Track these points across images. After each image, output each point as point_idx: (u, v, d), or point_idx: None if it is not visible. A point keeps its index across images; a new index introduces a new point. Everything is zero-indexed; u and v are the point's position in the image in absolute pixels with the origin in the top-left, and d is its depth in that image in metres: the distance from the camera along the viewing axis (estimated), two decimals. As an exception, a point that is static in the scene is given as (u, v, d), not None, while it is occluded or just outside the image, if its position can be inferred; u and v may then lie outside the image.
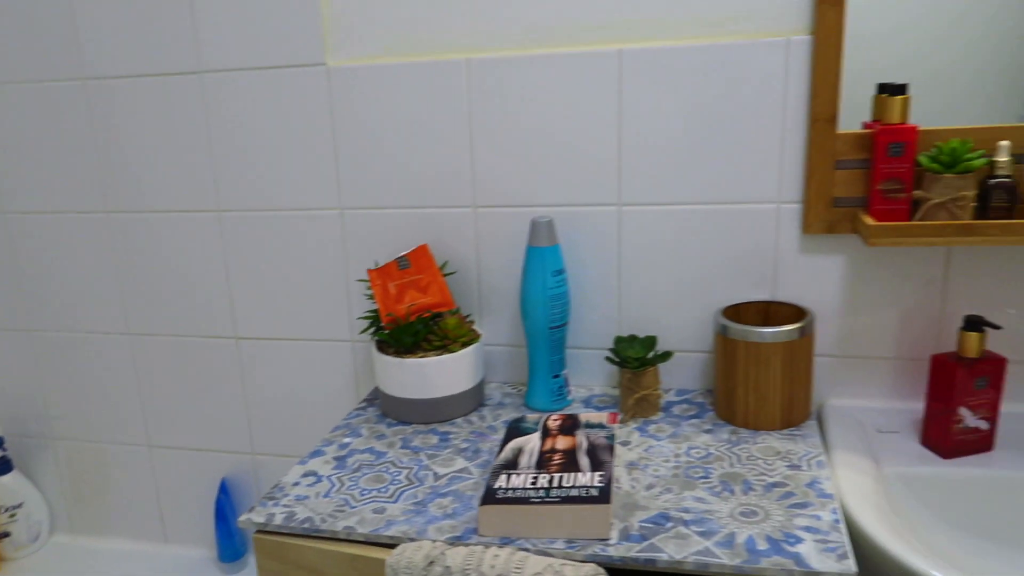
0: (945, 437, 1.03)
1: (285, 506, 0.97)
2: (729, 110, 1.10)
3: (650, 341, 1.17)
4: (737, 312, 1.15)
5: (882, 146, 1.00)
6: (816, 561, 0.81)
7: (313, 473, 1.05)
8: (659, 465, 1.02)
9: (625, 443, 1.08)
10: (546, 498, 0.88)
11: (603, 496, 0.88)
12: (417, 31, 1.18)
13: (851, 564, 0.80)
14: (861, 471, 1.00)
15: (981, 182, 1.00)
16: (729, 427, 1.11)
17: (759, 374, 1.07)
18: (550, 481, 0.91)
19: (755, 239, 1.14)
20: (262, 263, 1.35)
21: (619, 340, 1.18)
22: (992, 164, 0.99)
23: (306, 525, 0.93)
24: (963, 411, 1.02)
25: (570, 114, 1.15)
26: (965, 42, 1.01)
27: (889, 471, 1.02)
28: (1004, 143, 0.98)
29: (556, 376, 1.19)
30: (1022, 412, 1.11)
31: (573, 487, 0.90)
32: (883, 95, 1.01)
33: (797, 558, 0.81)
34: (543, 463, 0.96)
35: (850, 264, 1.13)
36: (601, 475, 0.92)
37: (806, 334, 1.07)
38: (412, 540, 0.89)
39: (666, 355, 1.16)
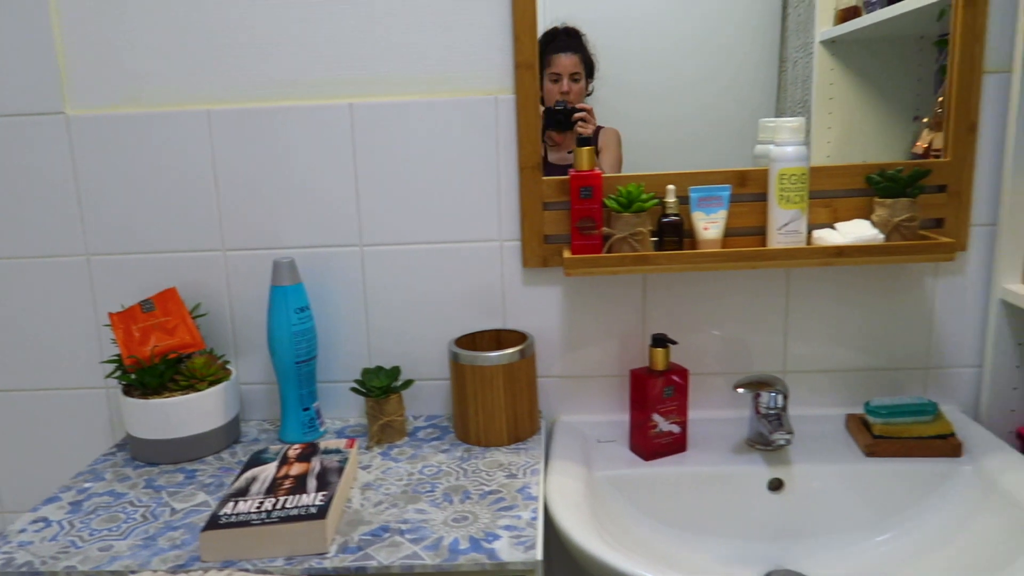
0: (645, 441, 1.19)
1: (5, 553, 0.96)
2: (452, 158, 1.23)
3: (394, 371, 1.26)
4: (473, 340, 1.27)
5: (575, 190, 1.16)
6: (506, 554, 0.91)
7: (43, 519, 1.04)
8: (392, 484, 1.10)
9: (366, 467, 1.16)
10: (267, 519, 0.93)
11: (320, 513, 0.94)
12: (158, 83, 1.23)
13: (536, 554, 0.91)
14: (573, 476, 1.13)
15: (658, 220, 1.18)
16: (464, 446, 1.21)
17: (485, 395, 1.18)
18: (274, 504, 0.97)
19: (484, 274, 1.27)
20: (4, 312, 1.32)
21: (365, 371, 1.26)
22: (663, 204, 1.17)
23: (24, 569, 0.93)
24: (656, 417, 1.18)
25: (310, 162, 1.24)
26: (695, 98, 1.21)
27: (599, 475, 1.16)
28: (671, 187, 1.17)
29: (306, 409, 1.25)
30: (707, 417, 1.30)
31: (295, 507, 0.96)
32: (578, 147, 1.17)
33: (491, 553, 0.92)
34: (273, 488, 1.01)
35: (566, 293, 1.28)
36: (324, 495, 0.99)
37: (526, 356, 1.20)
38: (133, 572, 0.91)
39: (407, 383, 1.25)
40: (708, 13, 1.21)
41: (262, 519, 0.93)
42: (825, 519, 1.14)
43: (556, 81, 1.23)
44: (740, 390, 1.14)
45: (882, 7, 1.20)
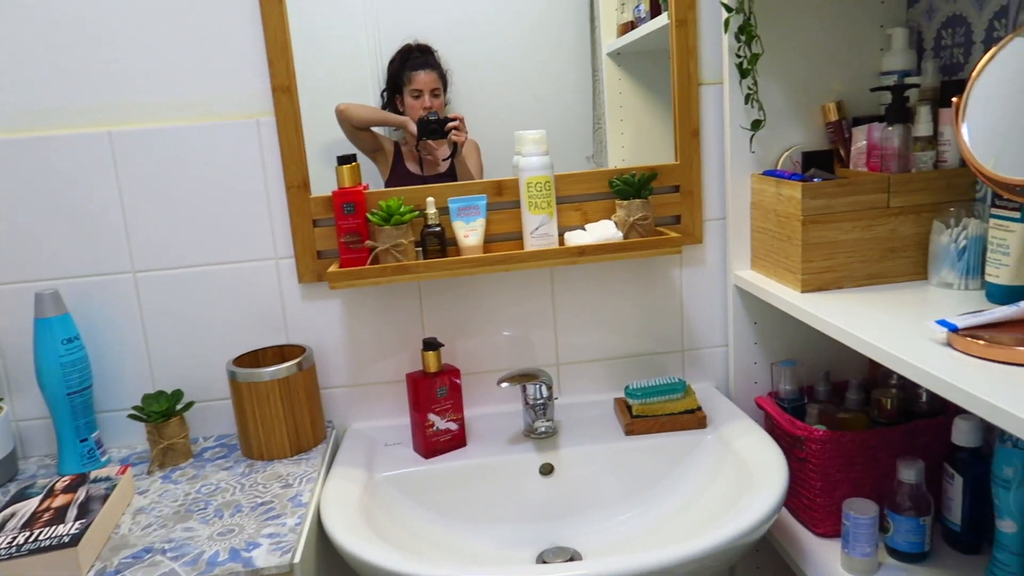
0: (425, 441, 1.25)
1: None
2: (222, 181, 1.25)
3: (176, 395, 1.26)
4: (257, 357, 1.29)
5: (339, 206, 1.21)
6: (262, 560, 0.95)
7: None
8: (166, 506, 1.11)
9: (144, 491, 1.16)
10: (15, 553, 0.93)
11: (73, 541, 0.94)
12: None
13: (291, 558, 0.95)
14: (352, 480, 1.17)
15: (422, 231, 1.25)
16: (247, 461, 1.24)
17: (264, 410, 1.21)
18: (27, 537, 0.96)
19: (264, 291, 1.30)
20: None
21: (146, 397, 1.26)
22: (425, 216, 1.24)
23: None
24: (433, 417, 1.25)
25: (74, 192, 1.23)
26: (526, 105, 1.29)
27: (380, 476, 1.21)
28: (430, 199, 1.24)
29: (84, 440, 1.23)
30: (490, 412, 1.38)
31: (48, 539, 0.95)
32: (339, 166, 1.22)
33: (247, 561, 0.95)
34: (31, 522, 1.00)
35: (347, 306, 1.32)
36: (82, 523, 0.99)
37: (304, 368, 1.24)
38: None
39: (188, 406, 1.26)
40: (525, 27, 1.29)
41: (10, 553, 0.93)
42: (591, 497, 1.24)
43: (418, 97, 1.28)
44: (504, 384, 1.22)
45: (646, 22, 1.32)
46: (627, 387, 1.31)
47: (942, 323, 0.88)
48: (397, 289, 1.33)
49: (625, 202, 1.25)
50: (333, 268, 1.20)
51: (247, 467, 1.22)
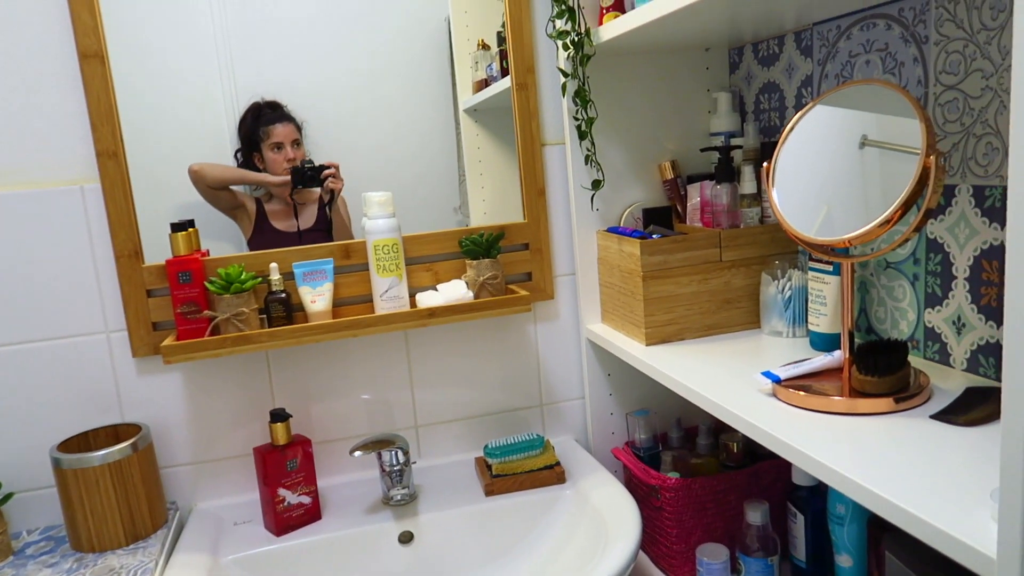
0: (276, 517, 1.19)
1: None
2: (42, 251, 1.17)
3: (-9, 486, 1.15)
4: (88, 440, 1.20)
5: (173, 275, 1.15)
6: (82, 671, 0.86)
7: None
8: (-26, 616, 1.00)
9: (-51, 601, 1.04)
10: None
11: None
12: None
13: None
14: (195, 567, 1.09)
15: (266, 297, 1.20)
16: (76, 555, 1.13)
17: (93, 497, 1.12)
18: None
19: (94, 368, 1.21)
20: None
21: (-46, 492, 1.13)
22: (268, 282, 1.20)
23: None
24: (283, 491, 1.19)
25: None
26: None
27: (227, 560, 1.14)
28: (274, 265, 1.20)
29: None
30: (348, 480, 1.33)
31: None
32: (173, 233, 1.16)
33: (64, 673, 0.86)
34: None
35: (188, 378, 1.25)
36: None
37: (139, 449, 1.16)
38: None
39: (6, 497, 1.15)
40: (390, 81, 1.29)
41: None
42: (452, 563, 1.21)
43: (279, 150, 1.25)
44: (357, 453, 1.19)
45: (498, 80, 1.34)
46: (486, 446, 1.29)
47: (767, 374, 0.93)
48: (243, 358, 1.27)
49: (475, 262, 1.26)
50: (168, 341, 1.14)
51: (75, 562, 1.11)
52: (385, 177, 1.29)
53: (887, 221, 0.80)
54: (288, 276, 1.22)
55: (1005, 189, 0.77)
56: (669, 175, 1.33)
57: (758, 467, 1.25)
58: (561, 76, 1.26)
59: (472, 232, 1.29)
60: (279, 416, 1.19)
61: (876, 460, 0.74)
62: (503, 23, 1.30)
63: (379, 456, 1.24)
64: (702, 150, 1.29)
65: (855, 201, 0.85)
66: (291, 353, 1.29)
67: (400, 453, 1.23)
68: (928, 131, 0.79)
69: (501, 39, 1.33)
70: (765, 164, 0.95)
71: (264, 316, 1.21)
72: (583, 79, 1.22)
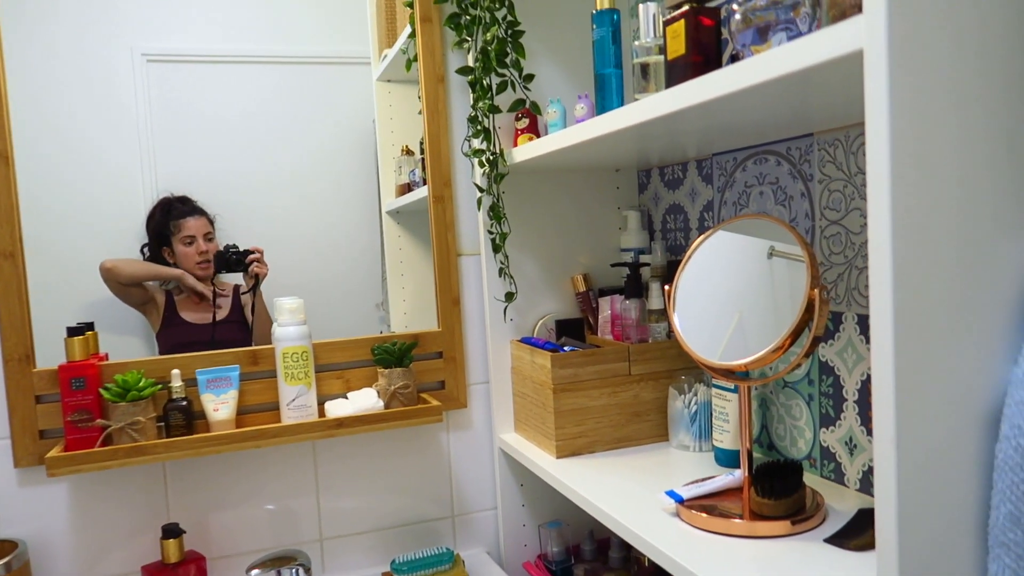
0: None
1: None
2: (-77, 354, 1.10)
3: None
4: (-46, 559, 1.10)
5: (65, 381, 1.10)
6: None
7: None
8: None
9: None
10: None
11: None
12: None
13: None
14: None
15: (165, 405, 1.16)
16: None
17: (-46, 627, 1.02)
18: None
19: (-31, 480, 1.13)
20: None
21: None
22: (169, 389, 1.16)
23: None
24: (171, 615, 1.11)
25: None
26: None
27: None
28: (176, 371, 1.16)
29: None
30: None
31: None
32: (68, 337, 1.12)
33: None
34: None
35: (76, 490, 1.18)
36: None
37: (13, 569, 1.07)
38: None
39: None
40: (316, 180, 1.31)
41: None
42: None
43: (191, 243, 1.24)
44: (254, 572, 1.13)
45: (420, 187, 1.36)
46: (393, 561, 1.25)
47: (671, 494, 0.94)
48: (138, 468, 1.21)
49: (387, 370, 1.25)
50: (54, 452, 1.07)
51: None
52: (309, 271, 1.30)
53: (778, 348, 0.84)
54: (191, 382, 1.18)
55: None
56: (582, 288, 1.36)
57: (668, 582, 1.24)
58: (477, 191, 1.30)
59: (384, 340, 1.28)
60: (171, 532, 1.13)
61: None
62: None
63: (278, 574, 1.18)
64: (612, 265, 1.34)
65: (766, 310, 0.89)
66: (190, 462, 1.23)
67: (301, 570, 1.17)
68: (812, 265, 0.84)
69: (424, 147, 1.37)
70: (667, 287, 0.99)
71: (163, 424, 1.16)
72: (497, 195, 1.26)
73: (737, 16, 0.74)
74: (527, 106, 1.23)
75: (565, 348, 1.23)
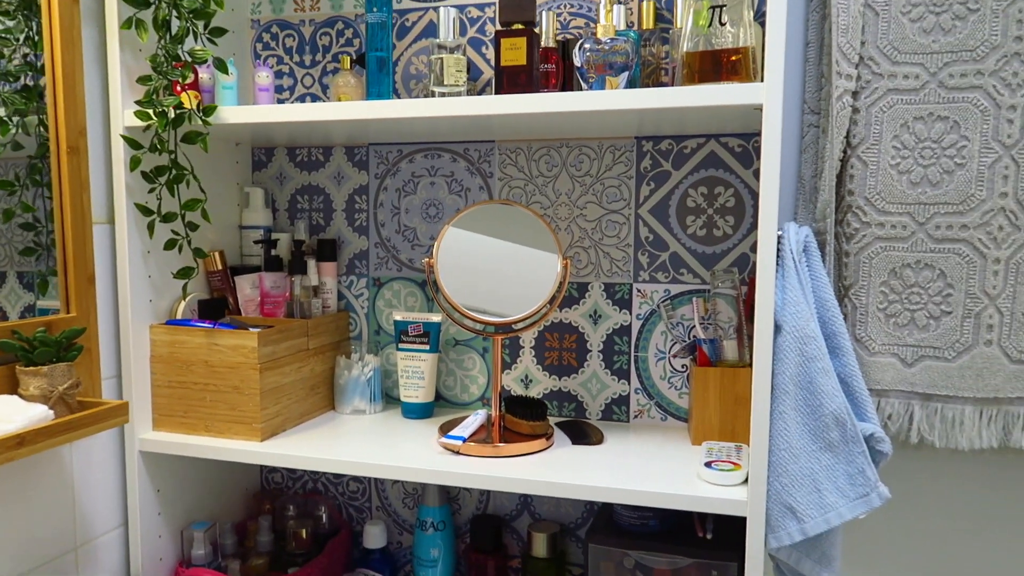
0: None
1: None
2: None
3: None
4: None
5: None
6: None
7: None
8: None
9: None
10: None
11: None
12: None
13: None
14: None
15: None
16: None
17: None
18: None
19: None
20: None
21: None
22: None
23: None
24: None
25: None
26: None
27: None
28: None
29: None
30: None
31: None
32: None
33: None
34: None
35: None
36: None
37: None
38: None
39: None
40: None
41: None
42: None
43: None
44: None
45: None
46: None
47: (452, 437, 1.08)
48: None
49: (45, 368, 0.94)
50: None
51: None
52: None
53: (544, 305, 1.10)
54: None
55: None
56: (219, 266, 1.27)
57: (329, 546, 1.30)
58: (127, 147, 1.09)
59: (19, 327, 0.96)
60: None
61: (598, 470, 1.01)
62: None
63: None
64: (255, 242, 1.30)
65: (518, 279, 1.11)
66: None
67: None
68: (559, 244, 1.12)
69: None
70: (427, 260, 1.11)
71: None
72: (178, 155, 1.10)
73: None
74: (211, 62, 1.11)
75: (233, 327, 1.16)
